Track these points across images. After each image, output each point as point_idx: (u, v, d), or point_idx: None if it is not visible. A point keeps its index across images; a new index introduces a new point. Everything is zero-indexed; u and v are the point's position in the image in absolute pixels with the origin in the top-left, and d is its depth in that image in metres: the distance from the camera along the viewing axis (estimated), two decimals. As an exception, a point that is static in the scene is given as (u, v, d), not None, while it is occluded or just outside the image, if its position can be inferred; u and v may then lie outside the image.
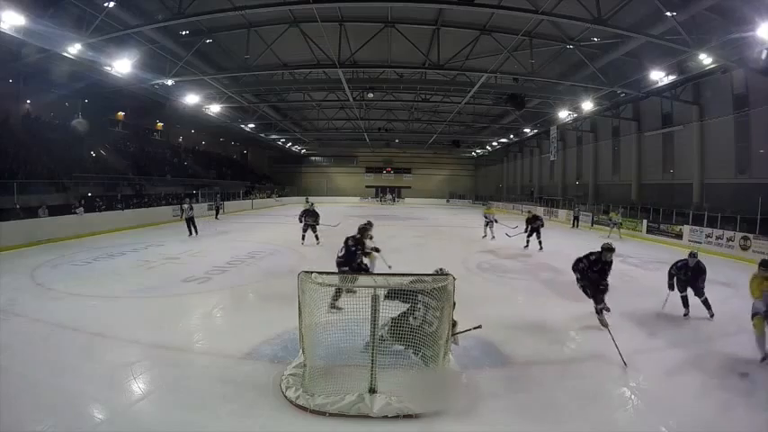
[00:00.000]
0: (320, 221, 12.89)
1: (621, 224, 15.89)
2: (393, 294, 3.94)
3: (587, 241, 15.51)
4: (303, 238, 12.71)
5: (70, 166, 19.18)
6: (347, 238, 6.26)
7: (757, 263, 4.93)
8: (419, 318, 3.94)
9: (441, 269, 4.39)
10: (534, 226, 12.82)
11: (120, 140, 26.97)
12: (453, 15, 13.79)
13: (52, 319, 5.54)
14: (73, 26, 11.88)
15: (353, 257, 6.12)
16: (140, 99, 21.60)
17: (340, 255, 6.19)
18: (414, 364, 3.96)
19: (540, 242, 12.69)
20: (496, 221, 15.00)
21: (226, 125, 27.95)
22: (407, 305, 3.98)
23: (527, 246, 12.79)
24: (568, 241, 15.58)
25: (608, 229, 16.30)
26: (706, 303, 6.10)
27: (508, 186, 43.64)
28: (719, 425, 3.47)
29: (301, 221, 12.80)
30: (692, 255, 6.15)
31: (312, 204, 13.58)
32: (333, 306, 4.36)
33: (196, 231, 14.41)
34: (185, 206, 14.68)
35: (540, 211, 29.49)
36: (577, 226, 21.14)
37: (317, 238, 12.67)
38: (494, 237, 13.90)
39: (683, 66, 14.54)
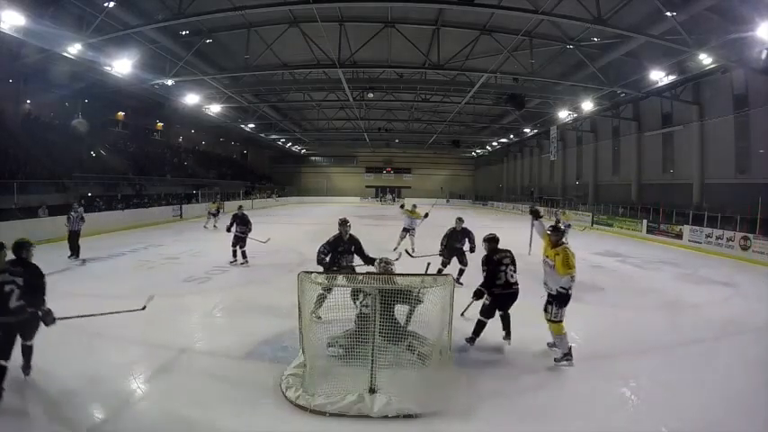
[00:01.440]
0: (250, 234, 9.74)
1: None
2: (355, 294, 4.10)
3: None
4: (234, 255, 9.60)
5: (70, 167, 19.17)
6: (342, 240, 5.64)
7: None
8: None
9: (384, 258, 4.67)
10: (458, 246, 7.55)
11: (120, 140, 26.94)
12: (453, 15, 13.79)
13: (52, 319, 5.52)
14: (73, 26, 11.90)
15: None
16: (140, 99, 21.64)
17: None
18: (414, 363, 3.96)
19: (461, 270, 7.46)
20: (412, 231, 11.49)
21: (226, 125, 27.97)
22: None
23: (441, 271, 7.21)
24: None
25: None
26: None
27: (508, 186, 43.61)
28: (720, 425, 3.46)
29: (230, 231, 9.63)
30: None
31: (241, 208, 10.36)
32: (314, 313, 4.26)
33: (77, 253, 9.90)
34: (73, 214, 10.12)
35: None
36: None
37: (244, 255, 9.56)
38: (414, 250, 9.17)
39: (683, 66, 14.55)
